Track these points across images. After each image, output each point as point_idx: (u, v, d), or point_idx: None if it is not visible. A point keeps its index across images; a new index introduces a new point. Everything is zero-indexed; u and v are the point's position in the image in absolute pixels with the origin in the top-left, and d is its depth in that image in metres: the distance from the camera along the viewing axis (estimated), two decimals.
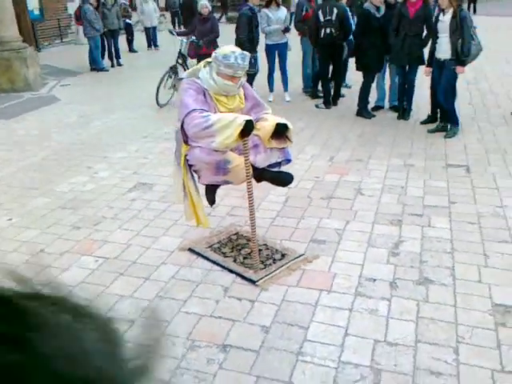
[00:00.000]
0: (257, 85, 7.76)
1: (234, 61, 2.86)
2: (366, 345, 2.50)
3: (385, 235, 3.57)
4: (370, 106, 6.95)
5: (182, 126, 2.90)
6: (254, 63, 7.22)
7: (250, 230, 3.11)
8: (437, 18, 5.47)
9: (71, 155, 5.71)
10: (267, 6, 7.31)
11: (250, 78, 7.43)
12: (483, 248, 3.34)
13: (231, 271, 3.19)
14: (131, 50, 14.66)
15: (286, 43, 7.47)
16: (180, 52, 7.77)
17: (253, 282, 3.06)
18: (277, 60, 7.63)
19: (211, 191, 3.27)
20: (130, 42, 14.69)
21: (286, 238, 3.60)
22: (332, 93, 7.32)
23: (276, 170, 3.15)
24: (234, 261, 3.30)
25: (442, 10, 5.39)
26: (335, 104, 7.42)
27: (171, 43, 15.52)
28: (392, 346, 2.49)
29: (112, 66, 12.19)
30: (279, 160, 3.13)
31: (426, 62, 6.02)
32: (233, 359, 2.45)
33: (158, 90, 7.54)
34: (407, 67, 6.23)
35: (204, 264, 3.32)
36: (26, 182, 4.93)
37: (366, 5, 6.39)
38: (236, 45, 7.28)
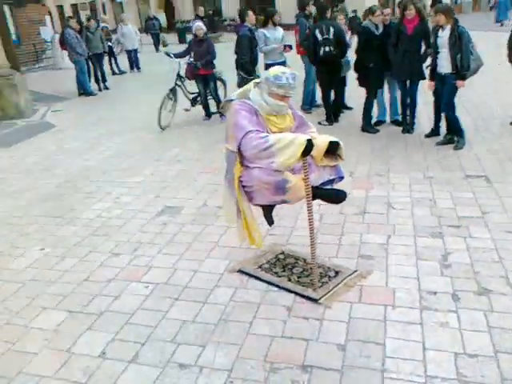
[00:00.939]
0: None
1: (285, 81, 2.90)
2: (448, 358, 2.52)
3: (430, 247, 3.62)
4: (372, 121, 7.09)
5: (238, 147, 2.90)
6: None
7: (310, 249, 3.11)
8: (436, 33, 5.66)
9: (85, 181, 5.61)
10: (264, 25, 7.42)
11: None
12: None
13: (289, 291, 3.18)
14: (114, 73, 14.60)
15: (284, 62, 7.57)
16: (178, 74, 7.77)
17: (315, 300, 3.05)
18: None
19: (268, 212, 3.26)
20: (112, 64, 14.65)
21: (332, 255, 3.62)
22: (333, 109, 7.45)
23: (329, 187, 3.17)
24: (289, 280, 3.29)
25: (441, 26, 5.58)
26: (336, 121, 7.54)
27: (154, 64, 15.65)
28: (473, 357, 2.51)
29: (99, 89, 12.10)
30: (331, 177, 3.16)
31: (425, 77, 6.22)
32: (318, 380, 2.43)
33: (160, 113, 7.51)
34: (408, 82, 6.40)
35: (258, 285, 3.30)
36: (48, 210, 4.82)
37: (366, 23, 6.58)
38: (236, 66, 7.41)
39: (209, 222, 4.31)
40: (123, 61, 15.21)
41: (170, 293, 3.28)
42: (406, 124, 6.66)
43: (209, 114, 8.15)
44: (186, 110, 8.13)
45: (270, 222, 3.32)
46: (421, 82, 6.37)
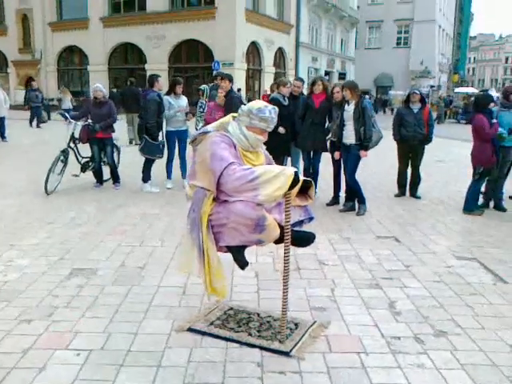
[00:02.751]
0: (155, 171, 7.59)
1: (268, 114, 2.83)
2: None
3: (374, 298, 3.63)
4: None
5: (218, 180, 2.68)
6: (162, 148, 7.10)
7: (282, 296, 2.89)
8: (343, 108, 6.18)
9: None
10: (168, 93, 7.39)
11: (150, 163, 7.25)
12: (463, 301, 3.61)
13: (253, 346, 2.86)
14: None
15: (186, 130, 7.54)
16: (72, 135, 7.23)
17: (285, 353, 2.78)
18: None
19: (240, 252, 2.95)
20: None
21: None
22: None
23: (297, 228, 3.04)
24: (249, 335, 2.98)
25: (347, 101, 6.12)
26: None
27: (22, 137, 14.49)
28: None
29: None
30: (301, 218, 3.06)
31: (328, 149, 6.68)
32: None
33: (48, 176, 6.80)
34: (312, 153, 6.78)
35: (216, 343, 2.92)
36: None
37: (274, 94, 6.95)
38: (139, 130, 7.19)
39: (135, 282, 3.82)
40: None
41: (110, 359, 2.73)
42: None
43: (101, 181, 7.60)
44: (75, 175, 7.47)
45: (245, 262, 2.97)
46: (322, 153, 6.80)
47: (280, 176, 2.63)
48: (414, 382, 2.56)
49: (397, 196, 7.38)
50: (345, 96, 6.09)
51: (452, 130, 19.96)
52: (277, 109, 2.93)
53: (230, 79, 7.27)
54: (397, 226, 5.67)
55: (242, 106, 2.97)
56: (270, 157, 3.20)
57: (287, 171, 2.66)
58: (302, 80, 7.10)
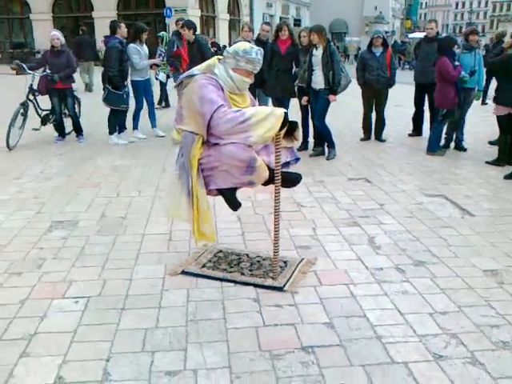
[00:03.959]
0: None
1: (255, 56, 2.81)
2: (425, 318, 2.65)
3: (354, 235, 3.81)
4: None
5: (208, 122, 2.67)
6: (126, 98, 6.89)
7: (273, 236, 2.99)
8: (311, 53, 6.15)
9: None
10: (133, 41, 7.09)
11: (121, 114, 7.06)
12: (436, 233, 3.85)
13: (248, 284, 2.98)
14: None
15: (149, 79, 7.37)
16: (31, 87, 6.88)
17: (279, 288, 2.92)
18: None
19: (232, 195, 3.01)
20: None
21: (271, 249, 3.51)
22: None
23: (284, 170, 3.10)
24: (242, 274, 3.09)
25: (315, 46, 6.09)
26: None
27: None
28: (444, 314, 2.69)
29: None
30: (288, 160, 3.11)
31: (296, 95, 6.69)
32: (325, 357, 2.31)
33: (9, 130, 6.52)
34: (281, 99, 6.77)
35: (211, 283, 3.02)
36: None
37: (238, 39, 6.82)
38: (103, 80, 6.91)
39: (119, 232, 3.83)
40: None
41: (110, 304, 2.78)
42: None
43: (63, 134, 7.35)
44: (36, 129, 7.19)
45: (237, 204, 3.05)
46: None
47: (270, 117, 2.66)
48: (401, 306, 2.76)
49: (363, 140, 7.56)
50: (312, 40, 6.04)
51: (407, 76, 20.25)
52: (262, 50, 2.92)
53: (190, 26, 7.04)
54: (366, 168, 5.85)
55: (228, 48, 2.94)
56: (254, 100, 3.21)
57: (277, 112, 2.69)
58: (269, 24, 6.97)
